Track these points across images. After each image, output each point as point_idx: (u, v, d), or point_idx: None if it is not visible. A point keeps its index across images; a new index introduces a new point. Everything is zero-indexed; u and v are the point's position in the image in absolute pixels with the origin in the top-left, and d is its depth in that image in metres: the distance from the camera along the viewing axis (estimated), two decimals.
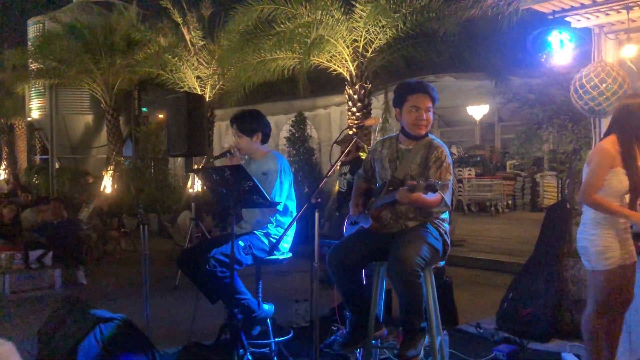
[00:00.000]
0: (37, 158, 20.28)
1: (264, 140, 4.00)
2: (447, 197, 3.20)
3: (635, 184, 3.14)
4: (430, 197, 3.05)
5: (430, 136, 3.37)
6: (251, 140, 3.91)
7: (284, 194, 3.82)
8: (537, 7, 4.23)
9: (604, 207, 3.16)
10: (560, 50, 4.47)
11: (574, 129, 7.35)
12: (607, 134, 3.31)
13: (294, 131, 12.65)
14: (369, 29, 8.65)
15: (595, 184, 3.16)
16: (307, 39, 8.81)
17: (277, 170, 3.81)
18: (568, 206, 4.99)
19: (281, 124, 13.95)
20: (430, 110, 3.28)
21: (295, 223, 3.50)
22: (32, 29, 15.87)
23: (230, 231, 3.53)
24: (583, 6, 4.05)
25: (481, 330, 4.61)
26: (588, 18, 4.15)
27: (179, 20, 11.59)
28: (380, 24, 8.53)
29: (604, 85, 3.96)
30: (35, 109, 16.16)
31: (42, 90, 15.53)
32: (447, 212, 3.36)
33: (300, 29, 8.87)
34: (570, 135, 7.51)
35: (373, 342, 3.38)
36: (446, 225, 3.33)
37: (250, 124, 3.92)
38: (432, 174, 3.19)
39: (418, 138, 3.32)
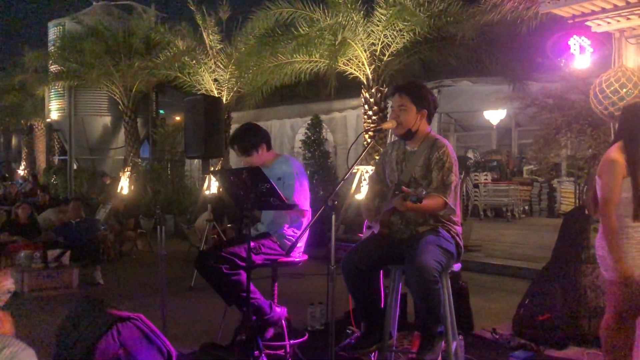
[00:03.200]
0: (56, 159, 20.52)
1: (269, 147, 4.01)
2: (451, 199, 3.15)
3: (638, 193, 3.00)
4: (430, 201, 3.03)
5: (435, 135, 3.36)
6: (258, 154, 3.92)
7: (306, 195, 3.82)
8: (557, 11, 4.20)
9: (612, 237, 3.03)
10: (579, 55, 4.43)
11: (593, 134, 7.28)
12: (615, 140, 3.20)
13: (310, 134, 12.67)
14: (386, 33, 8.64)
15: (615, 199, 3.04)
16: (333, 43, 8.81)
17: (292, 173, 3.80)
18: (586, 212, 4.93)
19: (297, 127, 13.97)
20: (402, 107, 3.26)
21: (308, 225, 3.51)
22: (53, 31, 16.07)
23: (245, 232, 3.54)
24: (604, 10, 4.02)
25: (497, 336, 4.57)
26: (609, 22, 4.11)
27: (200, 23, 11.67)
28: (397, 28, 8.52)
29: (625, 90, 3.92)
30: (54, 110, 16.36)
31: (62, 92, 15.73)
32: (457, 213, 3.33)
33: (323, 33, 8.86)
34: (589, 141, 7.44)
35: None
36: (458, 228, 3.32)
37: (250, 140, 3.91)
38: (435, 176, 3.19)
39: (408, 138, 3.31)
